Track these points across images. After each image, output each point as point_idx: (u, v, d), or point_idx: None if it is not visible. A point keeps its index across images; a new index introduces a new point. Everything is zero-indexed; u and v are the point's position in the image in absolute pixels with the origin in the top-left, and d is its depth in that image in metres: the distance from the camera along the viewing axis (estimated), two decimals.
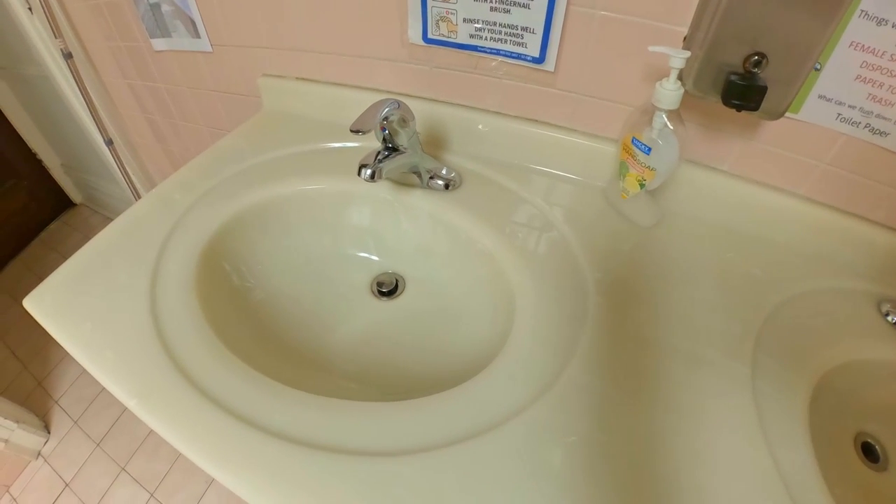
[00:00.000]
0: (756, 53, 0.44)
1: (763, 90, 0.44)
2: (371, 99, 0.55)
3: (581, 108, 0.61)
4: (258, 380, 0.46)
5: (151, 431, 0.44)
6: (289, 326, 0.61)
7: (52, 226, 2.08)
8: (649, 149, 0.52)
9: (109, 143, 1.25)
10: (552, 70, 0.59)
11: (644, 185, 0.54)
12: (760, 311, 0.50)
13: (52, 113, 1.60)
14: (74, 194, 2.13)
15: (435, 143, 0.72)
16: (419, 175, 0.63)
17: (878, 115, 0.47)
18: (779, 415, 0.42)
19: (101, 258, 0.59)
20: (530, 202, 0.63)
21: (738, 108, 0.46)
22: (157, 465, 1.30)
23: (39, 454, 1.35)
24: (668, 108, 0.49)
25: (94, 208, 2.14)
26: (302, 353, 0.58)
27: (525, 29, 0.56)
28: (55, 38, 1.03)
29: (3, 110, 1.76)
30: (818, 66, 0.47)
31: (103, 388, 0.47)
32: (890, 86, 0.45)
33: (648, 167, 0.53)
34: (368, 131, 0.51)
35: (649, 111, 0.51)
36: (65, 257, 0.58)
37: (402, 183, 0.66)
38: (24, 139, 1.87)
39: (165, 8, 0.83)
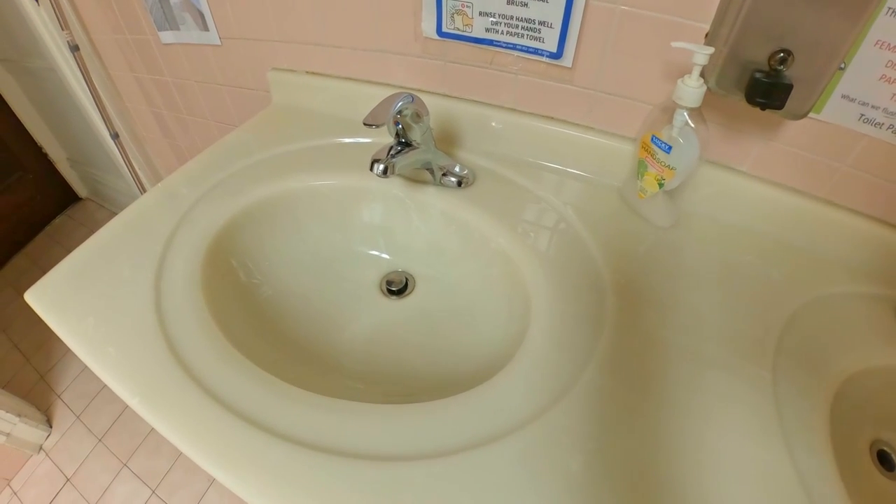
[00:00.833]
0: (782, 50, 0.43)
1: (788, 88, 0.43)
2: (383, 94, 0.54)
3: (598, 106, 0.60)
4: (264, 379, 0.45)
5: (154, 428, 0.44)
6: (296, 325, 0.60)
7: (58, 220, 2.08)
8: (669, 147, 0.50)
9: (116, 136, 1.24)
10: (570, 66, 0.57)
11: (663, 184, 0.53)
12: (780, 315, 0.49)
13: (58, 106, 1.59)
14: (80, 188, 2.13)
15: (448, 140, 0.70)
16: (431, 172, 0.62)
17: None
18: (801, 422, 0.41)
19: (106, 252, 0.58)
20: (545, 200, 0.62)
21: (763, 107, 0.44)
22: (159, 462, 1.29)
23: (41, 448, 1.34)
24: (689, 105, 0.47)
25: (99, 203, 2.14)
26: (308, 352, 0.57)
27: (543, 23, 0.55)
28: (62, 30, 1.03)
29: (8, 103, 1.76)
30: (843, 66, 0.45)
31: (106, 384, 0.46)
32: None
33: (668, 166, 0.52)
34: (382, 125, 0.50)
35: (670, 109, 0.50)
36: (69, 251, 0.57)
37: (413, 179, 0.64)
38: (30, 132, 1.86)
39: (174, 0, 0.82)
